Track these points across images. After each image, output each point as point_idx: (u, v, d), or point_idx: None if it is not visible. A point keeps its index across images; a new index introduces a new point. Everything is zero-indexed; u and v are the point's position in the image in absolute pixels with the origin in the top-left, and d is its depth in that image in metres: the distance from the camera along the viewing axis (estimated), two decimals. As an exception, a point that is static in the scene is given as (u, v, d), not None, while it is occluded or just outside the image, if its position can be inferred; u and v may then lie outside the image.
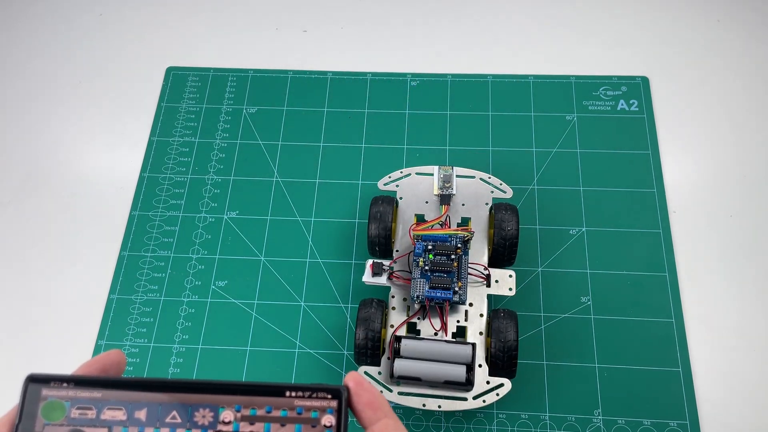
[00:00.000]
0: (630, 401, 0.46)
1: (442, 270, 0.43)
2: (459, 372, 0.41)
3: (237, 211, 0.55)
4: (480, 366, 0.42)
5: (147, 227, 0.54)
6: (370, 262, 0.45)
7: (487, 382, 0.42)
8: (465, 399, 0.41)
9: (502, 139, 0.57)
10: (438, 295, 0.43)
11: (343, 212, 0.54)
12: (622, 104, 0.58)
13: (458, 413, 0.46)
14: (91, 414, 0.22)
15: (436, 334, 0.43)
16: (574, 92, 0.59)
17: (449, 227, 0.46)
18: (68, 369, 0.50)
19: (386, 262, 0.45)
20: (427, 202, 0.48)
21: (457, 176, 0.48)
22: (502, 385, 0.42)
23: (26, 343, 0.51)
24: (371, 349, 0.42)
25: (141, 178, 0.57)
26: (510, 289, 0.45)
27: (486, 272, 0.45)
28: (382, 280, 0.45)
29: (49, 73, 0.63)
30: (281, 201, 0.55)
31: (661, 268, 0.50)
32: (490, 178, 0.48)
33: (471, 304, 0.44)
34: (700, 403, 0.45)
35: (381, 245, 0.46)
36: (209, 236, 0.54)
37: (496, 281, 0.45)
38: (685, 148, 0.56)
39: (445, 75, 0.60)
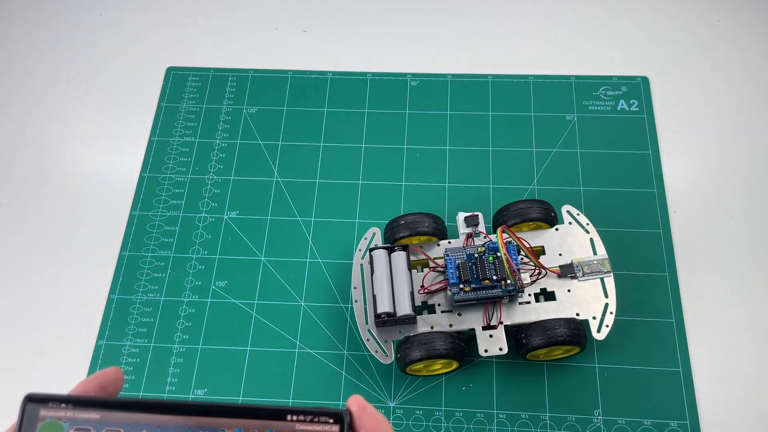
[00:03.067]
0: (630, 401, 0.46)
1: (478, 277, 0.44)
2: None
3: (237, 211, 0.55)
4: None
5: (147, 227, 0.54)
6: (475, 213, 0.47)
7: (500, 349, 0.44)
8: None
9: (502, 139, 0.57)
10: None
11: (343, 212, 0.54)
12: (622, 104, 0.58)
13: (458, 413, 0.46)
14: None
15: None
16: (574, 92, 0.59)
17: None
18: (68, 370, 0.50)
19: (480, 230, 0.46)
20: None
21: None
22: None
23: (26, 343, 0.51)
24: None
25: (141, 178, 0.57)
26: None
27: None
28: (463, 229, 0.46)
29: (49, 73, 0.63)
30: (281, 201, 0.55)
31: (661, 268, 0.50)
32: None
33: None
34: (700, 403, 0.45)
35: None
36: (209, 236, 0.54)
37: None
38: (685, 148, 0.56)
39: (445, 75, 0.61)
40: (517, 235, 0.45)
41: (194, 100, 0.61)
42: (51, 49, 0.65)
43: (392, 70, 0.61)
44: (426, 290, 0.45)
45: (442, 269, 0.46)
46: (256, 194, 0.55)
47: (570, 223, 0.48)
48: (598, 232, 0.47)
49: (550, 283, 0.45)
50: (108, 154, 0.59)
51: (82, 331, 0.50)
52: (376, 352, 0.44)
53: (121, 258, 0.53)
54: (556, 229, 0.47)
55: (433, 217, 0.48)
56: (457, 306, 0.45)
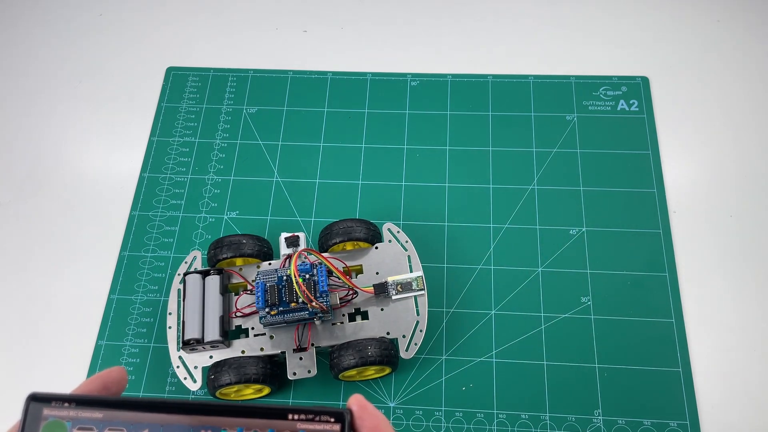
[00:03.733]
0: (630, 401, 0.46)
1: (286, 299, 0.43)
2: None
3: (237, 211, 0.55)
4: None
5: (147, 227, 0.54)
6: (283, 236, 0.46)
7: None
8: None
9: (502, 139, 0.57)
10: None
11: (343, 212, 0.54)
12: (622, 104, 0.58)
13: (458, 413, 0.46)
14: None
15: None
16: (574, 92, 0.59)
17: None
18: (68, 370, 0.50)
19: (304, 250, 0.45)
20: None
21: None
22: (309, 371, 0.43)
23: (26, 343, 0.51)
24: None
25: (141, 178, 0.57)
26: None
27: (353, 293, 0.45)
28: (284, 250, 0.46)
29: (49, 73, 0.63)
30: (281, 201, 0.55)
31: (661, 268, 0.50)
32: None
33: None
34: (700, 403, 0.45)
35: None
36: (209, 236, 0.54)
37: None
38: (685, 148, 0.56)
39: (445, 75, 0.60)
40: (338, 254, 0.46)
41: (194, 100, 0.61)
42: (51, 49, 0.65)
43: (392, 70, 0.61)
44: (241, 313, 0.45)
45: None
46: (256, 194, 0.55)
47: (390, 240, 0.48)
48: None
49: (365, 303, 0.45)
50: (108, 154, 0.59)
51: (82, 331, 0.50)
52: (185, 378, 0.44)
53: (121, 258, 0.53)
54: (376, 248, 0.47)
55: (258, 239, 0.48)
56: (269, 329, 0.45)
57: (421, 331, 0.44)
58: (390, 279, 0.45)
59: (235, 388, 0.44)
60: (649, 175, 0.54)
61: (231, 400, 0.45)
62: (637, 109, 0.58)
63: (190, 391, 0.47)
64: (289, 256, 0.45)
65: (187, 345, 0.43)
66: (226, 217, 0.55)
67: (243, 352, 0.44)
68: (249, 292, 0.46)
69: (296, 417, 0.22)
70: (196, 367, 0.44)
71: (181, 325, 0.44)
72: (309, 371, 0.44)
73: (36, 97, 0.62)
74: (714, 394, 0.46)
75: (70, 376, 0.49)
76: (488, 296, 0.50)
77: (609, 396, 0.46)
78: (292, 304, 0.42)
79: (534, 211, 0.53)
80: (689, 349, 0.47)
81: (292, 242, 0.47)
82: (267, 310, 0.42)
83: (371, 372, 0.46)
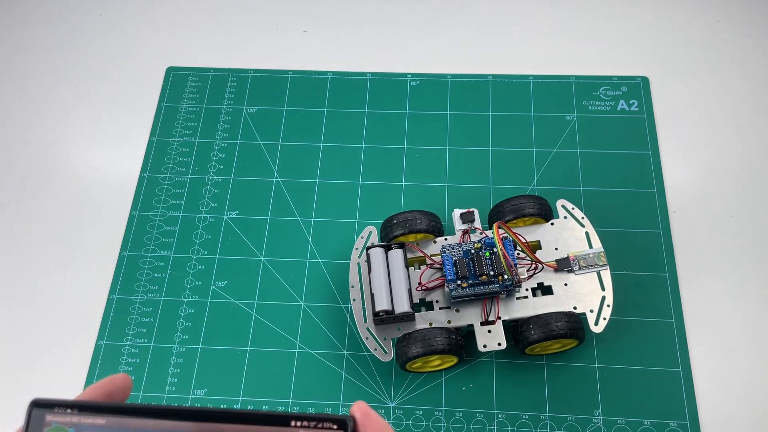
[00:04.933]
0: (630, 401, 0.46)
1: (475, 273, 0.44)
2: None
3: (237, 211, 0.55)
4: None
5: (147, 227, 0.54)
6: (457, 212, 0.47)
7: (499, 344, 0.44)
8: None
9: (502, 139, 0.57)
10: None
11: (343, 212, 0.54)
12: (622, 104, 0.58)
13: (458, 413, 0.46)
14: None
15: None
16: (574, 92, 0.59)
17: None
18: (68, 370, 0.50)
19: (476, 226, 0.46)
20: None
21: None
22: (499, 344, 0.44)
23: (26, 343, 0.51)
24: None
25: (141, 178, 0.57)
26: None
27: (535, 267, 0.46)
28: (459, 225, 0.47)
29: (50, 73, 0.63)
30: (281, 201, 0.55)
31: (661, 268, 0.50)
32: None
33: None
34: (700, 403, 0.45)
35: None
36: (209, 236, 0.54)
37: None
38: (685, 148, 0.56)
39: (445, 75, 0.61)
40: (513, 230, 0.46)
41: (194, 100, 0.61)
42: (51, 49, 0.65)
43: (392, 70, 0.61)
44: (424, 287, 0.45)
45: (439, 266, 0.46)
46: (256, 194, 0.55)
47: (565, 217, 0.48)
48: (598, 232, 0.47)
49: (547, 278, 0.46)
50: (108, 154, 0.59)
51: (82, 331, 0.50)
52: (376, 350, 0.44)
53: (121, 258, 0.53)
54: (552, 224, 0.48)
55: (429, 215, 0.48)
56: (455, 302, 0.45)
57: (608, 306, 0.45)
58: (571, 254, 0.46)
59: (428, 359, 0.44)
60: (649, 175, 0.54)
61: (416, 370, 0.46)
62: (637, 109, 0.58)
63: (190, 389, 0.47)
64: (466, 231, 0.46)
65: (377, 317, 0.44)
66: (226, 217, 0.55)
67: (430, 324, 0.44)
68: (429, 266, 0.46)
69: (299, 424, 0.22)
70: (385, 339, 0.44)
71: (369, 298, 0.45)
72: (499, 344, 0.44)
73: (36, 97, 0.62)
74: (714, 394, 0.46)
75: (70, 376, 0.49)
76: (488, 296, 0.50)
77: (609, 396, 0.46)
78: (482, 277, 0.43)
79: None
80: (689, 349, 0.47)
81: (468, 218, 0.47)
82: (458, 282, 0.44)
83: (557, 346, 0.46)
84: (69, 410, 0.22)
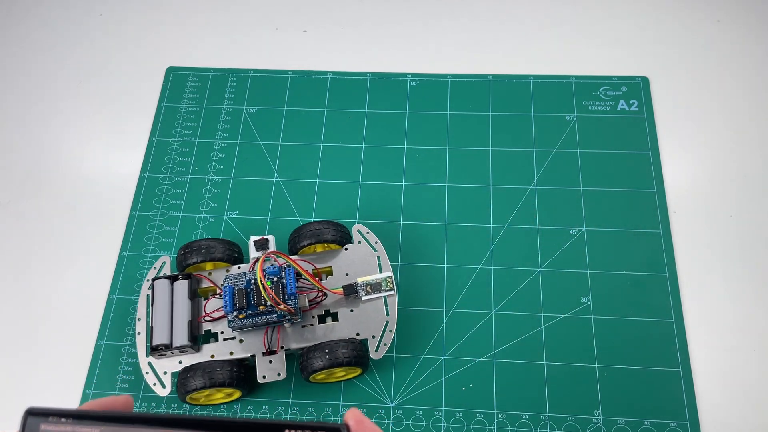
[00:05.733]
0: (630, 401, 0.46)
1: (255, 303, 0.43)
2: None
3: (237, 211, 0.55)
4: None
5: (147, 227, 0.54)
6: (252, 239, 0.46)
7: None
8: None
9: (502, 139, 0.57)
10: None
11: (343, 212, 0.54)
12: (622, 104, 0.58)
13: (458, 413, 0.46)
14: None
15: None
16: (574, 92, 0.59)
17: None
18: (68, 370, 0.50)
19: (271, 252, 0.45)
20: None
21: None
22: (279, 374, 0.43)
23: (26, 343, 0.51)
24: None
25: (141, 178, 0.57)
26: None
27: (323, 295, 0.45)
28: (253, 253, 0.46)
29: (49, 73, 0.63)
30: (281, 201, 0.55)
31: (661, 268, 0.50)
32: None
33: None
34: (700, 403, 0.45)
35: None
36: (209, 236, 0.54)
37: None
38: (685, 148, 0.56)
39: (445, 75, 0.60)
40: (307, 256, 0.46)
41: (194, 100, 0.61)
42: (51, 49, 0.65)
43: (392, 70, 0.61)
44: (209, 317, 0.45)
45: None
46: (256, 194, 0.55)
47: (359, 242, 0.48)
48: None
49: (335, 305, 0.45)
50: (108, 154, 0.59)
51: (82, 331, 0.50)
52: (154, 384, 0.44)
53: (121, 258, 0.53)
54: (346, 249, 0.47)
55: (228, 243, 0.47)
56: (239, 332, 0.44)
57: (390, 331, 0.44)
58: (360, 280, 0.45)
59: (206, 392, 0.44)
60: (649, 175, 0.54)
61: (202, 410, 0.46)
62: (637, 109, 0.58)
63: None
64: (257, 260, 0.45)
65: (155, 350, 0.43)
66: (226, 217, 0.55)
67: (212, 356, 0.44)
68: (218, 296, 0.45)
69: None
70: (165, 373, 0.44)
71: (150, 331, 0.44)
72: (279, 374, 0.43)
73: (36, 97, 0.62)
74: (714, 394, 0.46)
75: (70, 376, 0.49)
76: (488, 296, 0.50)
77: (609, 396, 0.46)
78: (261, 308, 0.42)
79: (534, 211, 0.53)
80: (689, 349, 0.47)
81: (261, 245, 0.46)
82: (235, 314, 0.42)
83: (341, 373, 0.45)
84: (63, 419, 0.22)
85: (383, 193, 0.55)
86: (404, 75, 0.61)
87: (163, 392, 0.43)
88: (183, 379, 0.43)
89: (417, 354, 0.48)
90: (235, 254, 0.47)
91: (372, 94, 0.60)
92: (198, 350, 0.44)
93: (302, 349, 0.44)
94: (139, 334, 0.45)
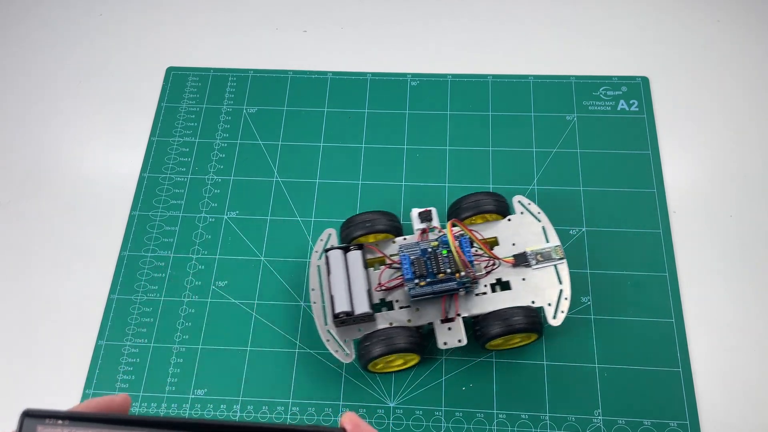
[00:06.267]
0: (630, 401, 0.46)
1: (433, 271, 0.44)
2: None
3: (237, 211, 0.55)
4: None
5: (147, 227, 0.54)
6: (415, 211, 0.48)
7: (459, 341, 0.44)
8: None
9: (502, 139, 0.57)
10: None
11: (343, 212, 0.54)
12: (622, 104, 0.58)
13: (458, 413, 0.46)
14: None
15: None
16: (574, 92, 0.59)
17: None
18: (68, 370, 0.50)
19: (435, 225, 0.47)
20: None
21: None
22: (459, 341, 0.44)
23: (26, 343, 0.51)
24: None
25: (141, 178, 0.57)
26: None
27: (493, 263, 0.46)
28: (417, 224, 0.47)
29: (49, 73, 0.63)
30: (281, 201, 0.55)
31: (661, 268, 0.50)
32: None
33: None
34: (700, 403, 0.45)
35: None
36: (209, 236, 0.54)
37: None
38: (685, 148, 0.56)
39: (445, 75, 0.61)
40: (471, 227, 0.46)
41: (194, 100, 0.61)
42: (51, 49, 0.65)
43: (392, 70, 0.61)
44: (383, 287, 0.46)
45: (397, 266, 0.46)
46: (256, 194, 0.55)
47: (522, 212, 0.48)
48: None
49: (505, 273, 0.46)
50: (108, 154, 0.59)
51: (82, 331, 0.50)
52: (336, 351, 0.44)
53: (121, 258, 0.53)
54: (509, 220, 0.48)
55: (388, 215, 0.48)
56: (415, 301, 0.45)
57: (566, 299, 0.45)
58: (529, 249, 0.46)
59: (386, 359, 0.44)
60: (649, 175, 0.54)
61: (379, 369, 0.46)
62: (637, 109, 0.58)
63: (190, 389, 0.48)
64: (424, 231, 0.47)
65: (337, 318, 0.44)
66: (226, 217, 0.55)
67: (391, 324, 0.45)
68: (388, 266, 0.47)
69: None
70: (346, 341, 0.45)
71: (329, 300, 0.45)
72: (459, 340, 0.44)
73: (36, 97, 0.62)
74: (714, 394, 0.46)
75: (69, 376, 0.49)
76: (488, 296, 0.50)
77: (609, 396, 0.46)
78: (440, 275, 0.43)
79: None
80: (689, 349, 0.47)
81: (425, 217, 0.47)
82: (416, 281, 0.44)
83: (517, 340, 0.46)
84: (60, 421, 0.22)
85: (383, 193, 0.55)
86: (404, 75, 0.61)
87: (347, 359, 0.44)
88: (365, 346, 0.44)
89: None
90: (396, 225, 0.48)
91: (372, 94, 0.60)
92: (374, 319, 0.45)
93: (477, 316, 0.45)
94: (314, 303, 0.46)
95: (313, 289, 0.46)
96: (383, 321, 0.45)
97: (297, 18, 0.65)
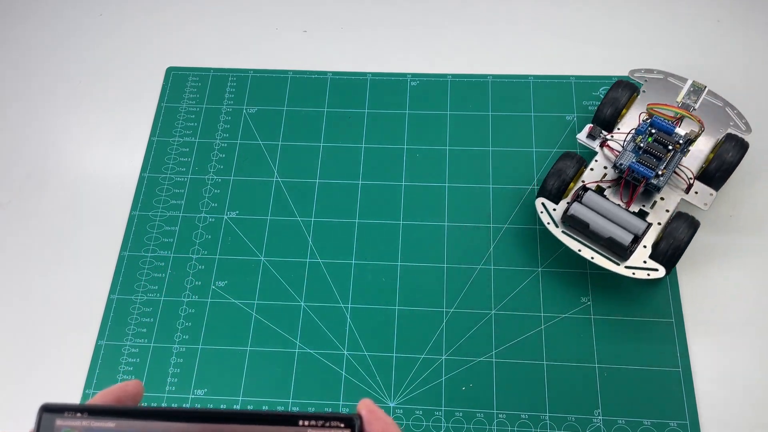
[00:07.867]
0: (630, 401, 0.46)
1: (654, 153, 0.47)
2: (625, 237, 0.45)
3: (237, 211, 0.55)
4: (645, 247, 0.46)
5: (147, 227, 0.54)
6: (590, 125, 0.50)
7: (644, 262, 0.46)
8: (618, 264, 0.46)
9: (502, 139, 0.57)
10: (640, 169, 0.46)
11: (343, 212, 0.54)
12: (622, 104, 0.58)
13: (458, 413, 0.46)
14: None
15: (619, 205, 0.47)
16: (574, 92, 0.59)
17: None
18: (68, 370, 0.50)
19: (605, 132, 0.50)
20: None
21: (706, 98, 0.51)
22: (656, 270, 0.45)
23: (26, 344, 0.51)
24: (555, 193, 0.48)
25: (141, 178, 0.57)
26: (705, 204, 0.48)
27: (691, 179, 0.48)
28: (595, 144, 0.50)
29: (49, 73, 0.63)
30: (281, 201, 0.55)
31: (661, 268, 0.50)
32: (735, 111, 0.50)
33: (662, 198, 0.48)
34: (700, 403, 0.45)
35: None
36: (209, 236, 0.54)
37: (696, 192, 0.48)
38: (685, 148, 0.56)
39: (445, 75, 0.61)
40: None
41: (194, 100, 0.61)
42: (51, 49, 0.65)
43: (392, 70, 0.61)
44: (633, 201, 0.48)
45: (608, 183, 0.49)
46: (256, 194, 0.55)
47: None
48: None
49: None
50: (108, 154, 0.59)
51: (82, 331, 0.51)
52: (548, 224, 0.48)
53: (121, 258, 0.53)
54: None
55: (566, 158, 0.49)
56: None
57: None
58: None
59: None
60: (649, 175, 0.54)
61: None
62: (637, 109, 0.57)
63: (190, 389, 0.48)
64: (604, 142, 0.50)
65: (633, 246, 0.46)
66: (226, 217, 0.55)
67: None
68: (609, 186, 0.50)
69: (306, 423, 0.22)
70: (554, 210, 0.49)
71: (603, 246, 0.47)
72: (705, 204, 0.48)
73: (36, 97, 0.62)
74: (714, 394, 0.46)
75: (70, 376, 0.49)
76: (488, 296, 0.50)
77: (609, 396, 0.46)
78: (668, 155, 0.47)
79: (534, 211, 0.53)
80: (689, 349, 0.47)
81: (596, 132, 0.51)
82: (657, 173, 0.46)
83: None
84: (79, 414, 0.22)
85: (383, 193, 0.55)
86: (404, 75, 0.61)
87: (556, 231, 0.47)
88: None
89: (417, 354, 0.48)
90: (579, 160, 0.50)
91: (372, 94, 0.60)
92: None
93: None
94: (593, 258, 0.47)
95: (579, 250, 0.47)
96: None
97: (297, 18, 0.65)
